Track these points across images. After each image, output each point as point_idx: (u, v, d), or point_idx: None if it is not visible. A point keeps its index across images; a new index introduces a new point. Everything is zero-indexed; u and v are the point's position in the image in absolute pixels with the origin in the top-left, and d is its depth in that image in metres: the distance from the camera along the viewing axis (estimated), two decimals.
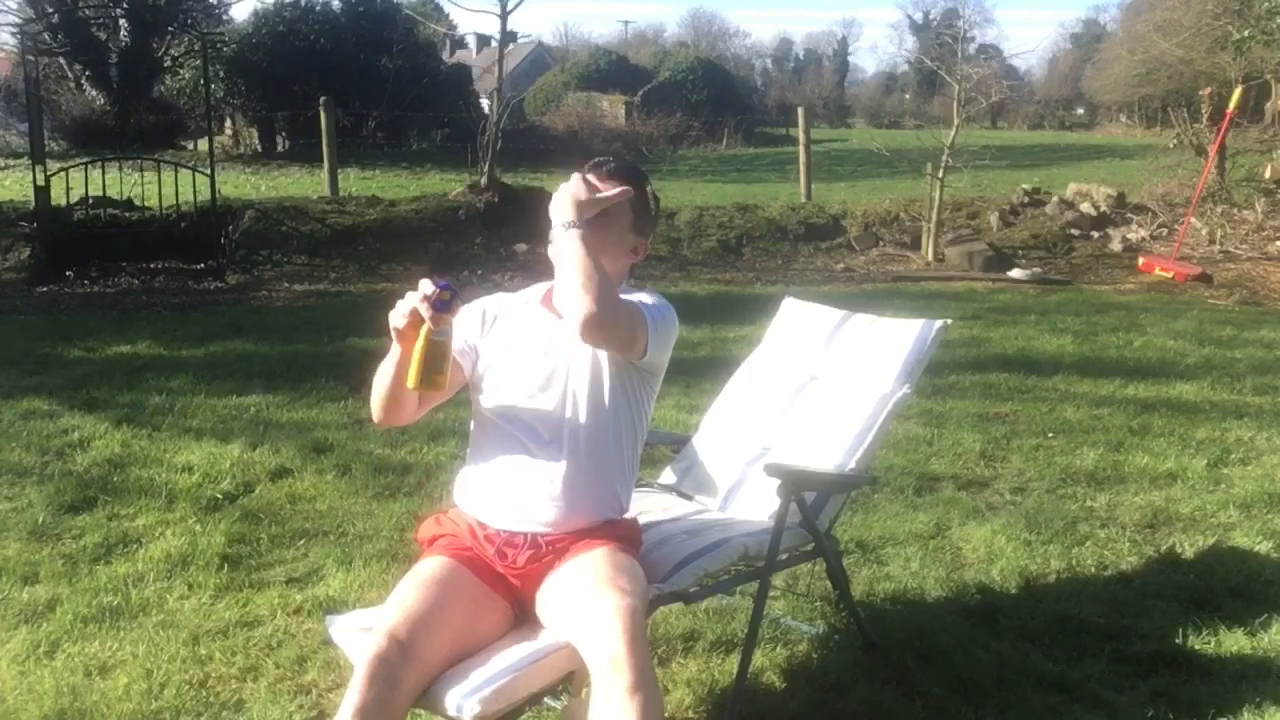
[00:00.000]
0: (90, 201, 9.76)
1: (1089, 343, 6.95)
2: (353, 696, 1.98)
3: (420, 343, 2.09)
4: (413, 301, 2.11)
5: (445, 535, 2.34)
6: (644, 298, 2.36)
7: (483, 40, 44.36)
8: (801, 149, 12.99)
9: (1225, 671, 2.81)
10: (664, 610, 2.88)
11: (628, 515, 2.44)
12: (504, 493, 2.30)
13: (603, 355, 2.28)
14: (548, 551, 2.26)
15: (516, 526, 2.28)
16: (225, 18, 24.88)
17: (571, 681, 2.22)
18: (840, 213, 11.63)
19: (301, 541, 3.68)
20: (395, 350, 2.20)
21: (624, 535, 2.35)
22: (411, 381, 2.12)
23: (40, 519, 3.84)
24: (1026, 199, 12.04)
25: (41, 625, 3.05)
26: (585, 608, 2.08)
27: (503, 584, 2.27)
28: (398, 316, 2.14)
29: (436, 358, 2.10)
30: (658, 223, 2.44)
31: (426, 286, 2.10)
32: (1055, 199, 11.98)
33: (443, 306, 2.08)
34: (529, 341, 2.35)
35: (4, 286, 8.90)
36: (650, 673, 2.00)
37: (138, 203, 10.38)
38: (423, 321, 2.09)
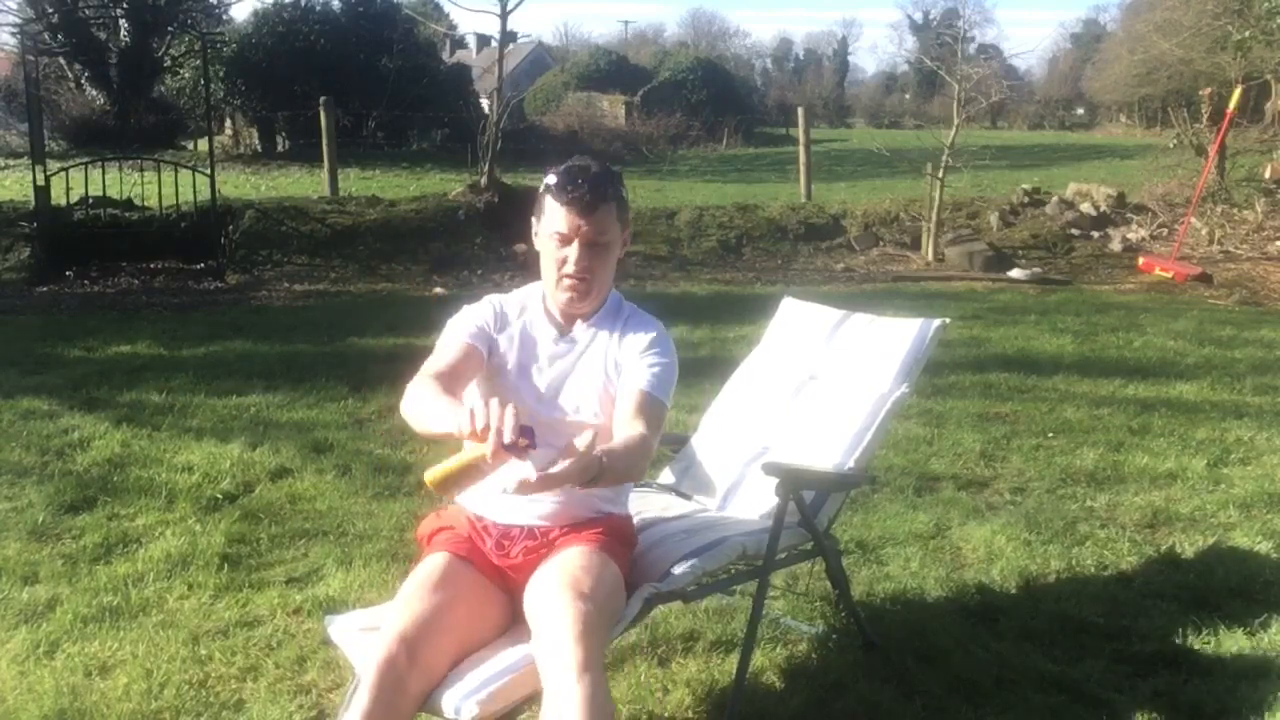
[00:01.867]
0: (90, 201, 9.76)
1: (1089, 343, 6.95)
2: (360, 700, 1.97)
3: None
4: (493, 424, 1.87)
5: (445, 529, 2.36)
6: (643, 337, 2.36)
7: (483, 40, 44.37)
8: (801, 149, 12.99)
9: (1225, 671, 2.81)
10: (664, 610, 2.88)
11: (624, 512, 2.45)
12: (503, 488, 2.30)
13: (609, 368, 2.32)
14: (542, 543, 2.28)
15: (514, 519, 2.31)
16: (225, 18, 24.91)
17: None
18: (840, 213, 11.63)
19: (301, 541, 3.68)
20: (445, 404, 2.07)
21: (616, 530, 2.36)
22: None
23: (40, 519, 3.84)
24: (1026, 199, 12.04)
25: (41, 625, 3.05)
26: (544, 606, 2.09)
27: (501, 578, 2.28)
28: (466, 422, 1.90)
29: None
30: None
31: (513, 426, 1.87)
32: (1055, 199, 11.99)
33: (512, 449, 1.88)
34: (530, 355, 2.38)
35: (4, 286, 8.90)
36: (599, 678, 1.98)
37: (138, 203, 10.38)
38: (483, 439, 1.89)
